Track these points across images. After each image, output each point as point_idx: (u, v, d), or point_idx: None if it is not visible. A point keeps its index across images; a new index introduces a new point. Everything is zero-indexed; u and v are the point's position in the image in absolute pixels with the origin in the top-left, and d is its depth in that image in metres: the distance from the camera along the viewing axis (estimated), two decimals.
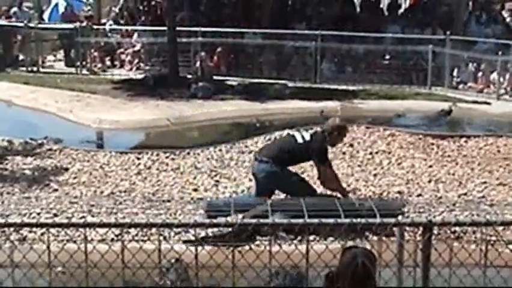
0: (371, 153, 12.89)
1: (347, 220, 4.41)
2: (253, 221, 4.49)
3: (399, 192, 10.83)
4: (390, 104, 17.71)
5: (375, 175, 11.62)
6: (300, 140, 9.59)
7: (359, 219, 4.43)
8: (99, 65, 21.82)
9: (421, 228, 4.68)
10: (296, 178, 9.65)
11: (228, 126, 16.08)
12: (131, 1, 24.57)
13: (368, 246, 5.16)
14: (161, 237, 4.99)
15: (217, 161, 12.48)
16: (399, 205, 9.12)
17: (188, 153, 12.87)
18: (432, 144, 13.77)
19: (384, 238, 5.37)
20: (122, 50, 22.31)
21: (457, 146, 13.71)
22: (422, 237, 4.67)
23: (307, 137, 9.59)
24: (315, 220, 4.44)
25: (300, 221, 4.57)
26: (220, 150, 13.14)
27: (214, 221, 4.51)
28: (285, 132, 10.24)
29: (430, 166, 12.30)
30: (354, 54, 21.00)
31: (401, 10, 24.74)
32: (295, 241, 8.20)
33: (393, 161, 12.57)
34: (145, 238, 7.56)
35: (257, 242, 8.55)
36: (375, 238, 7.67)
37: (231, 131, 15.62)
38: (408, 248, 5.20)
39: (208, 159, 12.61)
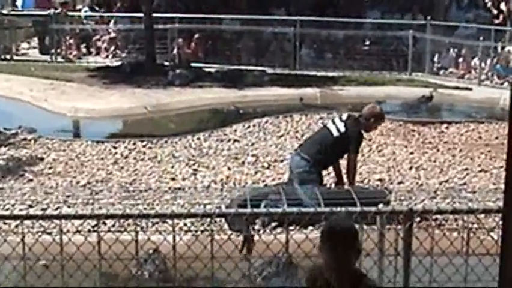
0: None
1: (327, 209, 4.41)
2: (232, 210, 4.48)
3: (380, 179, 10.85)
4: (370, 90, 17.72)
5: None
6: (335, 133, 9.46)
7: (339, 208, 4.43)
8: (74, 53, 21.67)
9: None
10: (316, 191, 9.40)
11: (206, 114, 16.04)
12: None
13: None
14: (138, 228, 4.97)
15: (195, 150, 12.46)
16: (384, 193, 9.14)
17: (166, 142, 12.84)
18: (413, 130, 13.81)
19: (365, 227, 5.37)
20: (98, 37, 22.18)
21: (438, 132, 13.76)
22: (403, 225, 4.67)
23: (342, 128, 9.45)
24: (295, 209, 4.43)
25: (279, 210, 4.56)
26: (199, 138, 13.12)
27: (192, 210, 4.49)
28: (327, 119, 10.09)
29: (411, 153, 12.34)
30: (333, 40, 20.99)
31: None
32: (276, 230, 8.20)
33: (374, 148, 12.59)
34: (122, 229, 7.53)
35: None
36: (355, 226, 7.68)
37: (209, 118, 15.59)
38: (389, 236, 5.20)
39: (186, 147, 12.59)
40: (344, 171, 9.70)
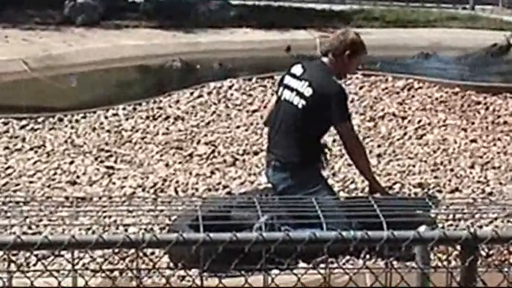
0: (372, 118, 12.96)
1: (333, 234, 4.42)
2: (174, 236, 4.49)
3: (420, 184, 10.91)
4: (406, 35, 17.82)
5: (379, 155, 11.68)
6: (300, 103, 9.21)
7: (352, 233, 4.44)
8: None
9: (459, 247, 4.72)
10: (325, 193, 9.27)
11: (128, 73, 16.07)
12: None
13: (368, 278, 5.22)
14: (13, 266, 4.97)
15: (111, 134, 12.47)
16: (427, 207, 9.17)
17: (61, 121, 12.84)
18: (478, 103, 13.89)
19: (395, 263, 5.41)
20: None
21: None
22: (462, 261, 4.71)
23: (307, 91, 9.20)
24: (278, 234, 4.43)
25: (254, 235, 4.55)
26: (116, 114, 13.13)
27: (105, 236, 4.46)
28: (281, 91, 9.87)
29: (473, 141, 12.41)
30: None
31: None
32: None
33: (411, 131, 12.65)
34: None
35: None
36: (381, 263, 7.73)
37: (134, 81, 15.61)
38: (437, 279, 5.24)
39: (94, 129, 12.60)
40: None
